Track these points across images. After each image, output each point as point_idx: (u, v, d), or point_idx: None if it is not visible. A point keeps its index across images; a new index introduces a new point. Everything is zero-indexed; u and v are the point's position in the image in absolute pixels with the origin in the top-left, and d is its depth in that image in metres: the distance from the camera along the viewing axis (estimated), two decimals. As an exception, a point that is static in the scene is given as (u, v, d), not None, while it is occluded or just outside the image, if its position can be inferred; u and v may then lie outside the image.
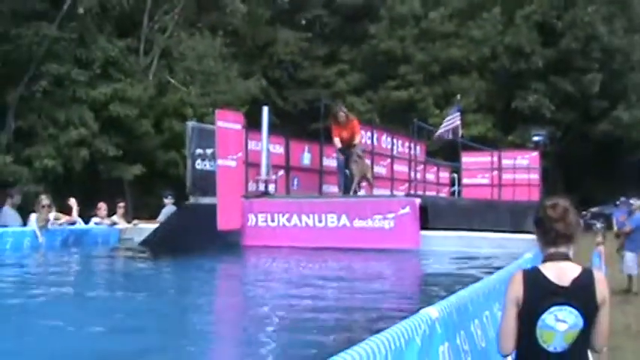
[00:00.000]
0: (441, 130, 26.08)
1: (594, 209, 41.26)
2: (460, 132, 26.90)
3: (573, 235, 4.31)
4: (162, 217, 17.86)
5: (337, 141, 18.43)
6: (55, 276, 11.87)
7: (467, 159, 30.69)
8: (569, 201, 4.39)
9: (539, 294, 4.16)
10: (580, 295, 4.13)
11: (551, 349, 4.14)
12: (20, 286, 10.41)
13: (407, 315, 4.00)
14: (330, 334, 6.78)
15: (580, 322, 4.10)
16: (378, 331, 3.45)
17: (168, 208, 18.10)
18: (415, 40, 50.13)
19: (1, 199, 15.98)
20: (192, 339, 6.86)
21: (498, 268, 7.57)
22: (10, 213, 15.07)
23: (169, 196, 18.59)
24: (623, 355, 9.75)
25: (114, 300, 9.17)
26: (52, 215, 15.43)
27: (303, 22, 50.18)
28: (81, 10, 30.56)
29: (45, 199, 15.69)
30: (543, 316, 4.12)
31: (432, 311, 4.05)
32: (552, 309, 4.11)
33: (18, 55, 29.12)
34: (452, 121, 25.95)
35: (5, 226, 14.68)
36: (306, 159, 19.98)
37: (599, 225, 32.76)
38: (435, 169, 29.29)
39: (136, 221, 18.22)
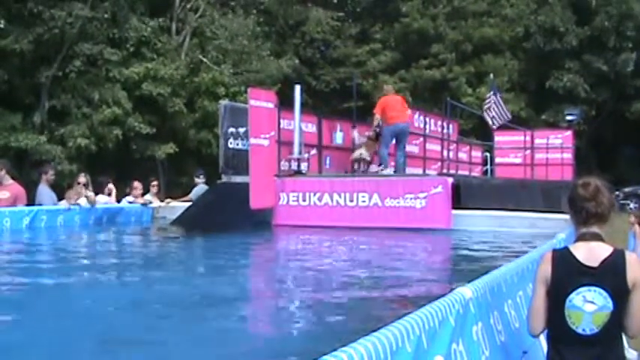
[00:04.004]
0: (497, 115, 26.19)
1: (627, 189, 40.91)
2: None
3: (606, 215, 4.24)
4: (193, 195, 17.95)
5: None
6: (88, 254, 12.01)
7: (500, 138, 30.64)
8: (603, 180, 4.34)
9: (567, 274, 4.12)
10: (609, 276, 4.06)
11: (580, 330, 4.08)
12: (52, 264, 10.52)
13: (440, 295, 4.00)
14: (362, 312, 6.80)
15: (609, 304, 4.04)
16: (411, 311, 3.45)
17: (200, 187, 18.16)
18: (447, 18, 49.77)
19: (37, 177, 16.09)
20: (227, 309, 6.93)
21: (531, 248, 7.54)
22: (45, 191, 15.16)
23: (201, 175, 18.66)
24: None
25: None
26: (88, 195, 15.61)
27: (335, 0, 49.90)
28: (113, -10, 30.72)
29: (82, 177, 15.85)
30: (571, 297, 4.07)
31: (466, 291, 4.04)
32: (580, 289, 4.06)
33: (51, 35, 29.27)
34: (499, 104, 26.07)
35: (40, 204, 14.80)
36: (339, 138, 19.96)
37: (632, 205, 32.58)
38: (468, 148, 29.18)
39: (168, 200, 18.35)
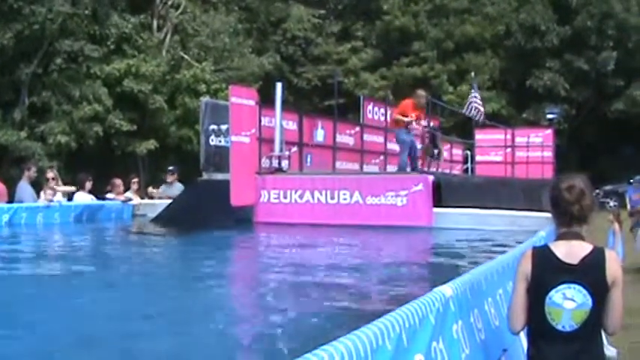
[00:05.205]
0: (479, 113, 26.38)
1: (607, 187, 41.12)
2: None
3: (588, 216, 4.26)
4: (163, 192, 17.90)
5: (405, 117, 18.54)
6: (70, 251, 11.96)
7: (480, 136, 30.70)
8: (586, 179, 4.35)
9: (547, 271, 4.14)
10: (589, 273, 4.08)
11: (559, 327, 4.10)
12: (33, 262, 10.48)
13: (420, 293, 4.00)
14: (342, 311, 6.79)
15: (589, 301, 4.06)
16: (391, 310, 3.45)
17: (176, 185, 17.96)
18: (429, 16, 49.90)
19: (16, 174, 16.01)
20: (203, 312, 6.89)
21: (511, 246, 7.56)
22: (26, 188, 15.10)
23: (175, 173, 18.40)
24: (637, 335, 9.69)
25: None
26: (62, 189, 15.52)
27: (316, -2, 50.08)
28: (94, -14, 30.67)
29: (50, 172, 15.78)
30: (551, 294, 4.09)
31: (446, 289, 4.04)
32: (560, 287, 4.08)
33: (31, 31, 29.17)
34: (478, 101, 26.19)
35: (21, 201, 14.73)
36: (320, 135, 19.97)
37: (612, 203, 32.73)
38: (449, 146, 29.20)
39: (150, 189, 18.34)
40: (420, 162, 18.98)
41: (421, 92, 19.01)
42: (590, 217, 4.28)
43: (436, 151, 20.95)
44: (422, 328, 3.58)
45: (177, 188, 17.76)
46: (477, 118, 27.42)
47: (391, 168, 20.06)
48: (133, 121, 32.08)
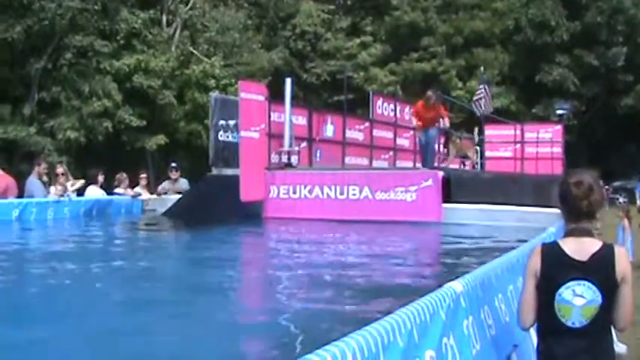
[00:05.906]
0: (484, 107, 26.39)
1: (617, 183, 41.08)
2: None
3: (596, 212, 4.27)
4: (162, 189, 17.91)
5: (414, 120, 18.92)
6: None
7: (490, 132, 30.61)
8: (595, 175, 4.35)
9: (556, 268, 4.15)
10: (598, 270, 4.09)
11: (569, 323, 4.11)
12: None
13: (431, 289, 4.00)
14: (352, 307, 6.79)
15: (598, 297, 4.07)
16: (402, 305, 3.45)
17: (182, 181, 17.94)
18: (438, 11, 49.82)
19: (26, 169, 16.02)
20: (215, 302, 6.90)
21: (521, 242, 7.55)
22: (36, 183, 15.09)
23: (177, 170, 18.35)
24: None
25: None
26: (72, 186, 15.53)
27: (326, -7, 50.06)
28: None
29: (59, 168, 15.77)
30: (560, 291, 4.10)
31: (457, 285, 4.04)
32: (570, 283, 4.09)
33: (41, 27, 29.21)
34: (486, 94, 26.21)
35: (31, 196, 14.73)
36: (329, 131, 19.96)
37: (621, 199, 32.68)
38: (458, 141, 29.14)
39: (160, 188, 18.34)
40: (435, 161, 19.14)
41: (428, 93, 19.07)
42: (599, 212, 4.28)
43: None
44: (433, 324, 3.58)
45: (183, 184, 17.77)
46: (478, 113, 27.37)
47: (400, 163, 20.04)
48: (143, 117, 32.13)
